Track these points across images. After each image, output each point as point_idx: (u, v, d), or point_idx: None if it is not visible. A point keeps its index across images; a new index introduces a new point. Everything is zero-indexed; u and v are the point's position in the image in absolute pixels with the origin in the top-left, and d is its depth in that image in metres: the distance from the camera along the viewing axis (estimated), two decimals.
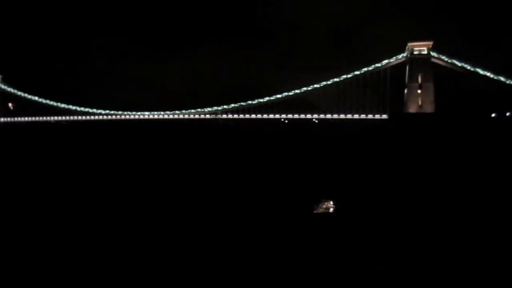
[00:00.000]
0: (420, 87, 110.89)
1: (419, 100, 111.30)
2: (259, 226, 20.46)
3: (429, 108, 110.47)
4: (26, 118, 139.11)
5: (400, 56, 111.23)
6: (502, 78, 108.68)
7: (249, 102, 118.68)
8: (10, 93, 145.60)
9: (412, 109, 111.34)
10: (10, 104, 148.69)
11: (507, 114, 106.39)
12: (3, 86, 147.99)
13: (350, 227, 20.09)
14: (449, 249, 15.91)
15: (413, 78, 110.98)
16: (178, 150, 69.13)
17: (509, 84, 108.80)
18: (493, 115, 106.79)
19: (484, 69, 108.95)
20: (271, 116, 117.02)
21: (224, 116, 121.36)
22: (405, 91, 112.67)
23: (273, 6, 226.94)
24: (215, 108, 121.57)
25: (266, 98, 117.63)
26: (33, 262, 14.97)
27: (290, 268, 14.78)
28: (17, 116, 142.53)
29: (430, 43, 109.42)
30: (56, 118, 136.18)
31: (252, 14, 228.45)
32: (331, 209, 25.04)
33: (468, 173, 34.57)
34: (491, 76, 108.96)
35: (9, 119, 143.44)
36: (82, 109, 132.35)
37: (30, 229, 19.68)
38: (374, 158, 50.59)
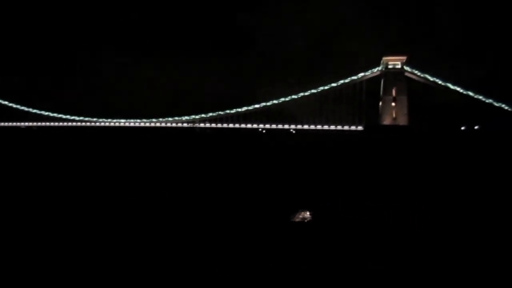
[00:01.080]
0: (394, 100, 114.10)
1: (393, 112, 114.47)
2: (246, 232, 20.40)
3: (403, 121, 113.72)
4: None
5: (375, 70, 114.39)
6: (470, 93, 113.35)
7: (227, 111, 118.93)
8: None
9: (387, 121, 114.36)
10: None
11: (476, 127, 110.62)
12: None
13: (329, 236, 20.30)
14: (431, 253, 16.28)
15: (387, 91, 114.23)
16: (153, 159, 68.14)
17: (477, 99, 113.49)
18: (462, 128, 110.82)
19: (454, 84, 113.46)
20: (249, 125, 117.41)
21: (202, 125, 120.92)
22: (380, 103, 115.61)
23: (252, 18, 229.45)
24: (193, 116, 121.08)
25: (244, 108, 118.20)
26: (25, 270, 14.50)
27: (290, 268, 14.79)
28: None
29: (404, 57, 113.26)
30: (26, 124, 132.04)
31: (232, 25, 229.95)
32: (308, 220, 25.22)
33: (439, 183, 35.63)
34: (461, 91, 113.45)
35: None
36: (55, 115, 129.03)
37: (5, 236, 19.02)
38: (349, 170, 51.37)
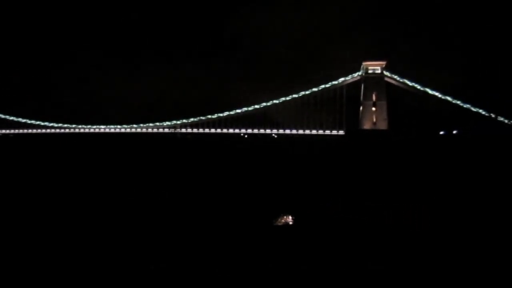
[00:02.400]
0: (374, 104, 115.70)
1: (373, 117, 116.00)
2: (236, 235, 20.14)
3: (382, 125, 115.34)
4: None
5: (355, 75, 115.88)
6: (449, 98, 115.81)
7: (209, 116, 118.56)
8: None
9: (367, 125, 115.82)
10: None
11: (454, 132, 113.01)
12: None
13: (311, 240, 20.23)
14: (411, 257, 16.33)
15: (367, 96, 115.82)
16: (134, 165, 67.09)
17: (455, 104, 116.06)
18: (441, 132, 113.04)
19: (433, 89, 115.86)
20: (231, 130, 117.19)
21: (183, 130, 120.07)
22: (360, 108, 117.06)
23: (234, 22, 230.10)
24: (174, 122, 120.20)
25: (226, 113, 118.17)
26: (24, 272, 14.00)
27: (290, 268, 14.68)
28: None
29: (384, 62, 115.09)
30: (3, 131, 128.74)
31: (214, 30, 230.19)
32: (290, 223, 25.16)
33: (418, 187, 36.13)
34: (439, 96, 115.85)
35: None
36: (33, 121, 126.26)
37: None
38: (331, 173, 51.65)
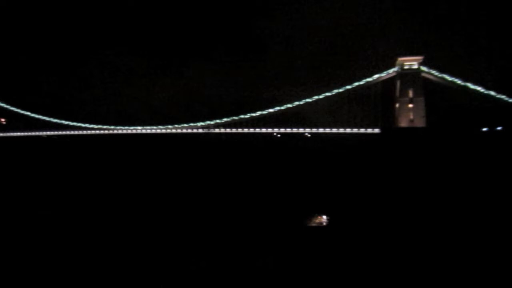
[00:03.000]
0: (411, 101, 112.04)
1: (410, 114, 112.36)
2: (253, 239, 20.21)
3: (420, 123, 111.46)
4: (18, 133, 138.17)
5: (391, 71, 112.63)
6: (492, 93, 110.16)
7: (242, 116, 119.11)
8: (2, 108, 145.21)
9: (404, 123, 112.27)
10: (2, 120, 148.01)
11: (498, 128, 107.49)
12: None
13: (345, 241, 19.90)
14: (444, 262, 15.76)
15: (403, 92, 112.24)
16: (170, 164, 68.62)
17: (499, 99, 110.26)
18: (484, 129, 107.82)
19: (474, 84, 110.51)
20: (264, 130, 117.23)
21: (217, 130, 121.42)
22: (396, 105, 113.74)
23: (266, 21, 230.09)
24: (208, 122, 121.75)
25: (259, 112, 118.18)
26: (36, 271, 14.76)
27: (306, 271, 14.76)
28: (9, 131, 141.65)
29: (420, 58, 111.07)
30: (48, 132, 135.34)
31: (245, 30, 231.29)
32: (324, 224, 24.79)
33: (460, 187, 34.64)
34: (482, 90, 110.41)
35: (1, 134, 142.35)
36: (74, 123, 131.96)
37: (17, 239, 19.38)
38: (367, 172, 50.56)
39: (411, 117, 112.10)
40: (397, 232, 19.78)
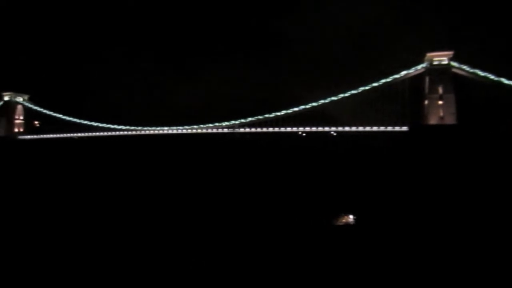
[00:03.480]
0: (441, 98, 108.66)
1: (440, 111, 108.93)
2: (276, 237, 20.14)
3: (450, 120, 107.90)
4: (51, 135, 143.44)
5: (419, 67, 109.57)
6: None
7: (266, 115, 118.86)
8: (35, 111, 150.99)
9: (433, 120, 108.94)
10: (35, 122, 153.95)
11: None
12: (29, 105, 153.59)
13: (372, 239, 19.52)
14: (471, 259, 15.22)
15: (433, 89, 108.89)
16: (196, 163, 69.49)
17: None
18: None
19: (509, 79, 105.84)
20: (289, 129, 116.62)
21: (241, 129, 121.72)
22: (425, 102, 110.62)
23: (289, 19, 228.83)
24: (232, 122, 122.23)
25: (283, 111, 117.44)
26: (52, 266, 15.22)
27: (335, 269, 14.68)
28: (42, 133, 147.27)
29: (451, 53, 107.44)
30: (78, 134, 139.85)
31: (268, 28, 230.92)
32: (351, 224, 24.41)
33: (493, 186, 33.32)
34: None
35: (34, 136, 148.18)
36: (104, 125, 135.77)
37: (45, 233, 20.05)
38: (394, 171, 49.52)
39: (441, 114, 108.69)
40: (426, 233, 19.23)
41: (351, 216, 25.74)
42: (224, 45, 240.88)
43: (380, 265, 14.91)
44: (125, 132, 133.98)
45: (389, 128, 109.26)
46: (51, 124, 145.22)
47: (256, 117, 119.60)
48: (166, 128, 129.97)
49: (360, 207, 27.78)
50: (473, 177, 38.87)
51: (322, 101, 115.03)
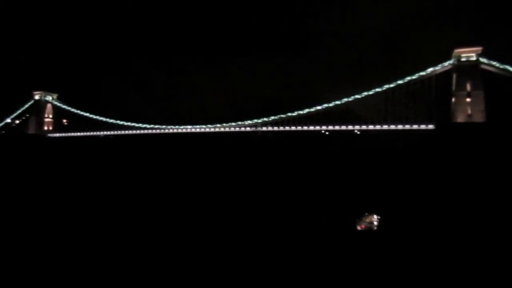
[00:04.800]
0: (469, 95, 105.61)
1: (468, 109, 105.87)
2: (300, 238, 20.15)
3: (479, 117, 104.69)
4: (78, 133, 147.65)
5: (446, 64, 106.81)
6: None
7: (289, 114, 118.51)
8: (64, 110, 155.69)
9: (461, 118, 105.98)
10: (64, 120, 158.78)
11: None
12: (58, 104, 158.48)
13: (396, 241, 19.27)
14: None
15: (461, 86, 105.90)
16: (219, 162, 70.06)
17: None
18: None
19: None
20: (311, 128, 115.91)
21: (264, 128, 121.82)
22: (453, 99, 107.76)
23: (312, 18, 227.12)
24: (255, 120, 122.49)
25: (306, 110, 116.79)
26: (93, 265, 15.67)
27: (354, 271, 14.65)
28: (70, 131, 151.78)
29: (479, 48, 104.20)
30: (104, 132, 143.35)
31: (291, 27, 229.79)
32: (375, 223, 24.15)
33: None
34: None
35: (63, 134, 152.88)
36: (128, 123, 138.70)
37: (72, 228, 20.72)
38: (421, 171, 48.55)
39: (469, 111, 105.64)
40: (452, 235, 18.81)
41: (375, 216, 25.48)
42: (248, 43, 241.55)
43: (404, 269, 14.67)
44: (149, 131, 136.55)
45: (415, 127, 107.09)
46: (79, 123, 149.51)
47: (279, 116, 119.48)
48: (189, 126, 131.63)
49: (384, 207, 27.42)
50: (503, 178, 37.65)
51: (345, 100, 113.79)
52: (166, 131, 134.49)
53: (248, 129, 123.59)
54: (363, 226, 23.64)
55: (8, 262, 15.64)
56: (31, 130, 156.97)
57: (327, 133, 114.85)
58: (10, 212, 26.34)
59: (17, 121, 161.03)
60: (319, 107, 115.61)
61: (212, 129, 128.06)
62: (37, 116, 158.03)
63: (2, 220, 24.04)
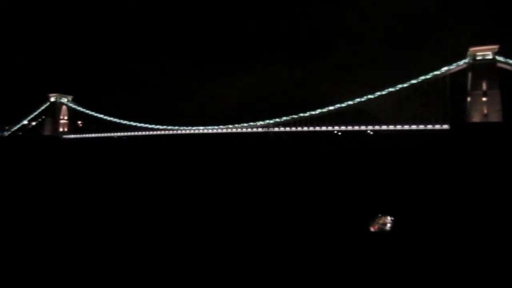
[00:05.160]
0: (485, 94, 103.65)
1: (484, 108, 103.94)
2: (313, 240, 19.97)
3: (495, 117, 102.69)
4: (92, 134, 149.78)
5: (461, 62, 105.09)
6: None
7: (301, 114, 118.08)
8: (79, 111, 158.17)
9: (477, 118, 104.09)
10: (79, 122, 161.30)
11: None
12: (73, 105, 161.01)
13: (409, 244, 18.95)
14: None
15: (476, 85, 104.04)
16: (232, 163, 70.10)
17: None
18: None
19: None
20: (324, 128, 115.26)
21: (276, 129, 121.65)
22: (468, 99, 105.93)
23: (324, 19, 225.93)
24: (267, 121, 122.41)
25: (318, 110, 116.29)
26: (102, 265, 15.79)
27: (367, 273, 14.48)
28: (85, 132, 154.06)
29: (495, 47, 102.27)
30: (118, 134, 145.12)
31: (303, 28, 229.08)
32: (388, 225, 23.84)
33: None
34: None
35: (78, 135, 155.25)
36: (142, 125, 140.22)
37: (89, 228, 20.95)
38: (436, 172, 47.78)
39: (485, 111, 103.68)
40: (468, 238, 18.42)
41: (388, 218, 25.06)
42: (259, 43, 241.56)
43: (419, 273, 14.36)
44: (162, 132, 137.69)
45: (429, 127, 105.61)
46: (93, 124, 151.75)
47: (291, 116, 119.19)
48: (201, 127, 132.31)
49: (398, 208, 27.00)
50: None
51: (358, 100, 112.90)
52: (179, 132, 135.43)
53: (260, 129, 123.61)
54: (375, 227, 23.29)
55: (19, 260, 15.87)
56: (47, 131, 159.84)
57: (339, 133, 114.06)
58: (26, 211, 26.78)
59: (34, 123, 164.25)
60: (331, 107, 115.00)
61: (224, 130, 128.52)
62: (53, 118, 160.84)
63: (18, 218, 24.44)
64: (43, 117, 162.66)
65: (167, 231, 20.96)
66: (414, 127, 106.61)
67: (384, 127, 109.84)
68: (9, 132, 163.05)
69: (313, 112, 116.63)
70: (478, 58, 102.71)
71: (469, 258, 15.42)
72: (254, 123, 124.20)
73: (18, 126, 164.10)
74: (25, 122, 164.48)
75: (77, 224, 22.79)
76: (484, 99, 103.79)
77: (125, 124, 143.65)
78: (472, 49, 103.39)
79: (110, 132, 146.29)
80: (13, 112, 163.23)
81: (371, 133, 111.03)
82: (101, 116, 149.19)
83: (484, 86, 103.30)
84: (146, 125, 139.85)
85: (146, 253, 16.80)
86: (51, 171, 58.63)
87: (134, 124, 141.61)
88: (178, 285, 13.90)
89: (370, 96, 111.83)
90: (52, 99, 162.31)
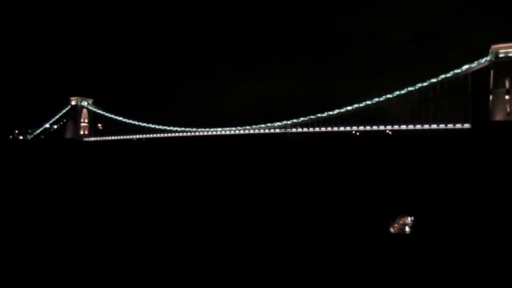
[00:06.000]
0: (508, 92, 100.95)
1: (507, 106, 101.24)
2: (332, 241, 19.98)
3: None
4: (112, 137, 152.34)
5: (482, 60, 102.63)
6: None
7: (319, 115, 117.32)
8: (99, 114, 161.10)
9: (499, 117, 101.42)
10: (99, 125, 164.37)
11: None
12: (93, 109, 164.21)
13: (430, 245, 18.74)
14: None
15: (499, 83, 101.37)
16: (250, 164, 70.44)
17: None
18: None
19: None
20: (342, 128, 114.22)
21: (294, 130, 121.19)
22: (490, 97, 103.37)
23: (340, 18, 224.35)
24: (285, 122, 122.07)
25: (336, 111, 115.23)
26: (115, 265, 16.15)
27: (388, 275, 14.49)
28: (105, 135, 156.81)
29: None
30: (137, 136, 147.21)
31: (320, 28, 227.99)
32: (408, 226, 23.61)
33: None
34: None
35: (98, 138, 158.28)
36: (160, 127, 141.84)
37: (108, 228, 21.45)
38: (458, 172, 46.94)
39: (508, 109, 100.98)
40: (491, 238, 18.08)
41: (409, 218, 24.88)
42: (276, 44, 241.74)
43: (441, 274, 14.22)
44: (180, 134, 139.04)
45: (450, 126, 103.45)
46: (113, 127, 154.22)
47: (309, 117, 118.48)
48: (219, 129, 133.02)
49: (419, 209, 26.72)
50: None
51: (376, 99, 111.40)
52: (197, 133, 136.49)
53: (277, 130, 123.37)
54: (396, 226, 23.13)
55: (34, 257, 16.42)
56: (68, 134, 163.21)
57: (357, 133, 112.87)
58: (47, 210, 27.64)
59: (55, 126, 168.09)
60: (349, 108, 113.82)
61: (242, 131, 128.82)
62: (74, 121, 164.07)
63: (39, 216, 25.28)
64: (64, 120, 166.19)
65: (184, 229, 21.30)
66: (434, 126, 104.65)
67: (403, 127, 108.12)
68: (32, 136, 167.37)
69: (331, 113, 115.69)
70: (501, 55, 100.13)
71: (493, 261, 15.20)
72: (272, 124, 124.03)
73: (41, 129, 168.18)
74: (47, 125, 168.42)
75: (96, 223, 23.39)
76: (507, 97, 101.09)
77: (143, 126, 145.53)
78: (494, 46, 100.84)
79: (130, 134, 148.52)
80: (35, 116, 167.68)
81: (390, 133, 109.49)
82: (121, 118, 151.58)
83: (507, 84, 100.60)
84: (164, 127, 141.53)
85: (158, 251, 17.11)
86: (74, 173, 60.10)
87: (153, 126, 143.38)
88: (179, 286, 14.10)
89: (388, 96, 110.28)
90: (73, 103, 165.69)
